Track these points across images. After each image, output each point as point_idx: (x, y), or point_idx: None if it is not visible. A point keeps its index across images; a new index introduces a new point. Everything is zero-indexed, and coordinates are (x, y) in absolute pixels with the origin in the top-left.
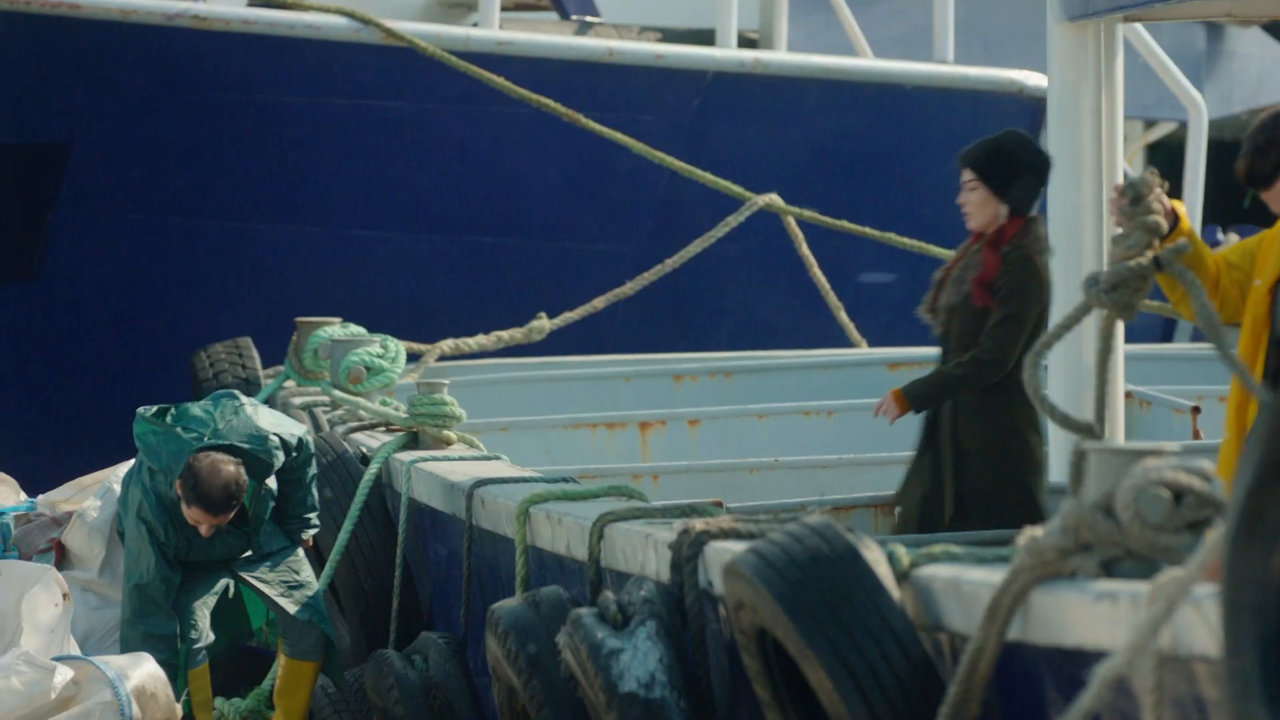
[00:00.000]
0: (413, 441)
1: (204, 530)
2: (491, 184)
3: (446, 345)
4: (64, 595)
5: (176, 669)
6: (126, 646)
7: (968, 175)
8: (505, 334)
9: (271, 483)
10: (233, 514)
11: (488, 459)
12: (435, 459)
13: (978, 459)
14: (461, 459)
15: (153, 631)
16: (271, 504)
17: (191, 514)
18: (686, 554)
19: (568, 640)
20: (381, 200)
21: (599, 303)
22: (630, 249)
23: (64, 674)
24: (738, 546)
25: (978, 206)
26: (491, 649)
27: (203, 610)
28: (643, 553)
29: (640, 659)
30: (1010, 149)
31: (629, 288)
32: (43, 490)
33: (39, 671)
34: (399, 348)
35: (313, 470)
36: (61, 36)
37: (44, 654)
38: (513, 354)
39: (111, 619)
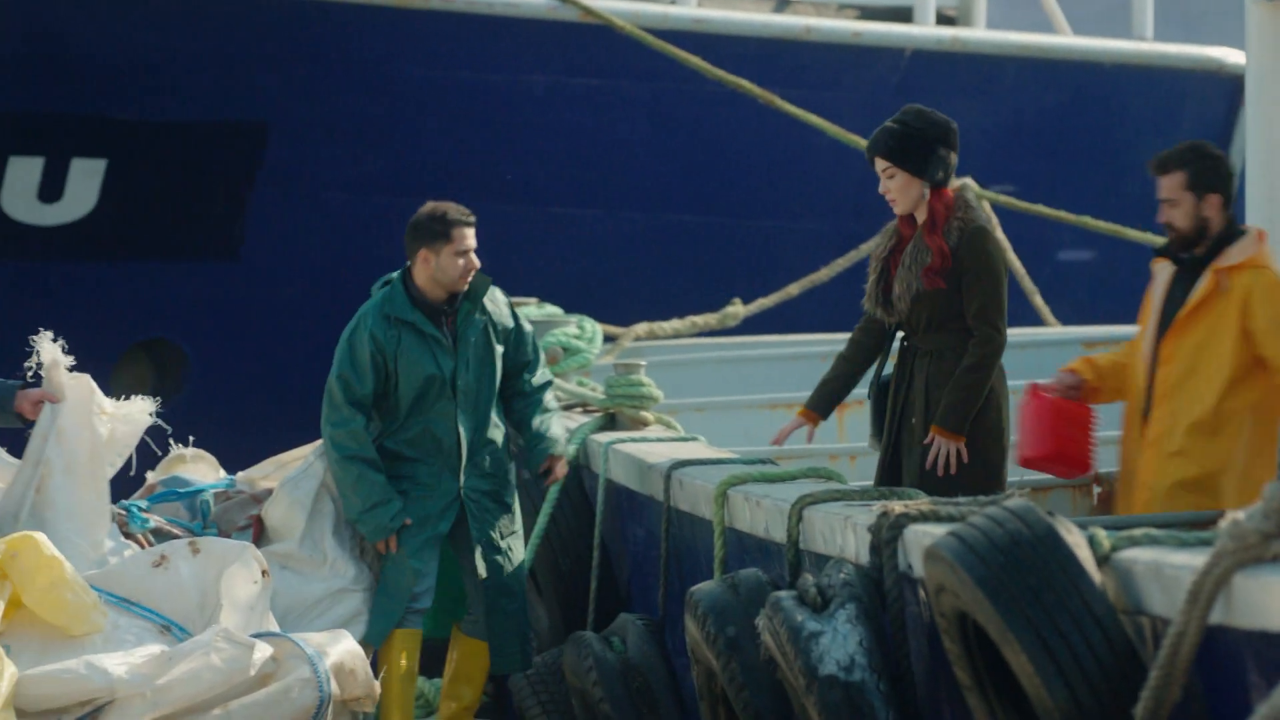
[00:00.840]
0: (610, 423)
1: (461, 262)
2: (690, 162)
3: (641, 329)
4: (263, 572)
5: (356, 460)
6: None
7: (882, 164)
8: (699, 319)
9: (496, 347)
10: (472, 232)
11: (685, 440)
12: (633, 440)
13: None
14: (659, 440)
15: (331, 425)
16: (490, 361)
17: (446, 253)
18: (886, 537)
19: (767, 623)
20: (579, 178)
21: (794, 289)
22: (830, 227)
23: (263, 651)
24: (937, 529)
25: (901, 192)
26: (690, 631)
27: (425, 566)
28: (842, 535)
29: (840, 642)
30: (916, 128)
31: (824, 274)
32: (242, 467)
33: (238, 648)
34: (595, 328)
35: (550, 404)
36: (260, 16)
37: (243, 631)
38: (707, 334)
39: (310, 596)
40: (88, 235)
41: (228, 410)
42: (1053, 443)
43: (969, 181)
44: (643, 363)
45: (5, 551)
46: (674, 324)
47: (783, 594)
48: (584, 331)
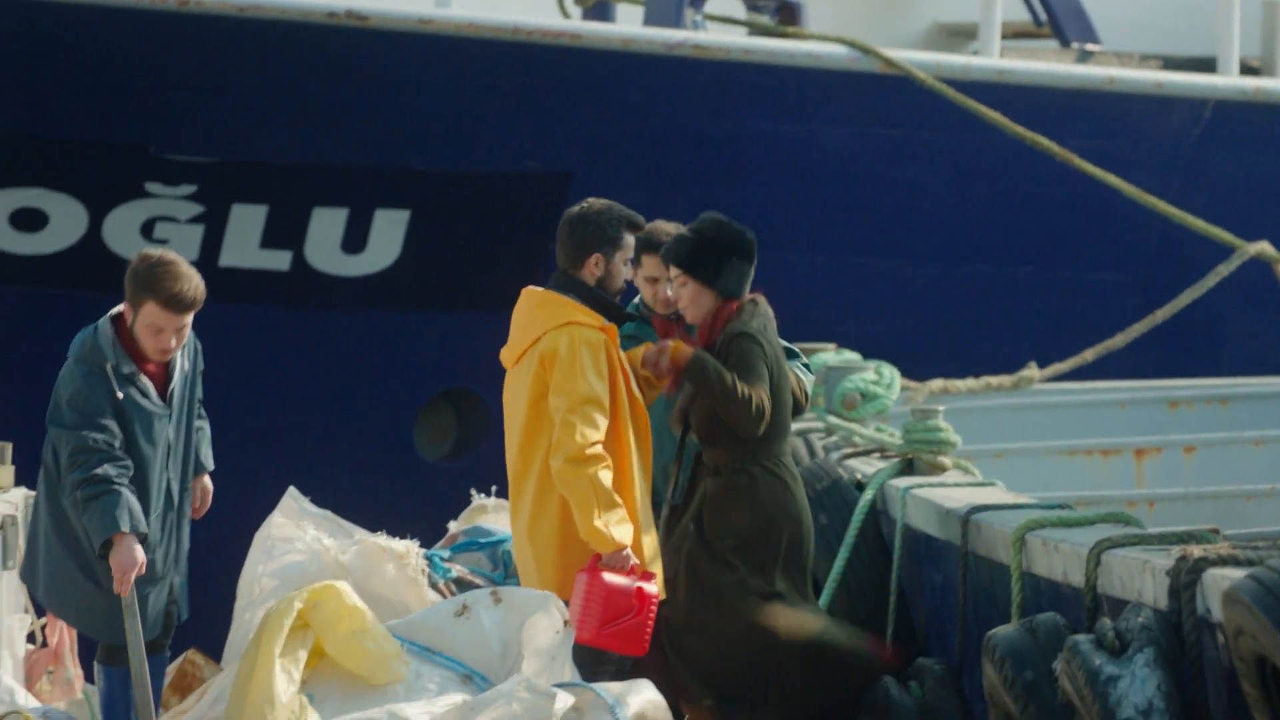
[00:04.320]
0: (907, 468)
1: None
2: (989, 213)
3: (935, 386)
4: (565, 622)
5: None
6: None
7: (674, 271)
8: (994, 380)
9: None
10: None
11: (983, 485)
12: (930, 485)
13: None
14: (957, 485)
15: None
16: None
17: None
18: (1184, 580)
19: (1065, 667)
20: (879, 228)
21: (1089, 355)
22: (1132, 278)
23: (564, 700)
24: (1236, 573)
25: (691, 301)
26: (988, 675)
27: None
28: (1140, 579)
29: (1138, 686)
30: (711, 237)
31: (1119, 340)
32: None
33: (539, 698)
34: (894, 374)
35: None
36: (564, 67)
37: (544, 680)
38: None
39: None
40: (391, 286)
41: None
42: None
43: (1266, 247)
44: (941, 408)
45: (308, 601)
46: (969, 383)
47: (1080, 638)
48: (882, 377)
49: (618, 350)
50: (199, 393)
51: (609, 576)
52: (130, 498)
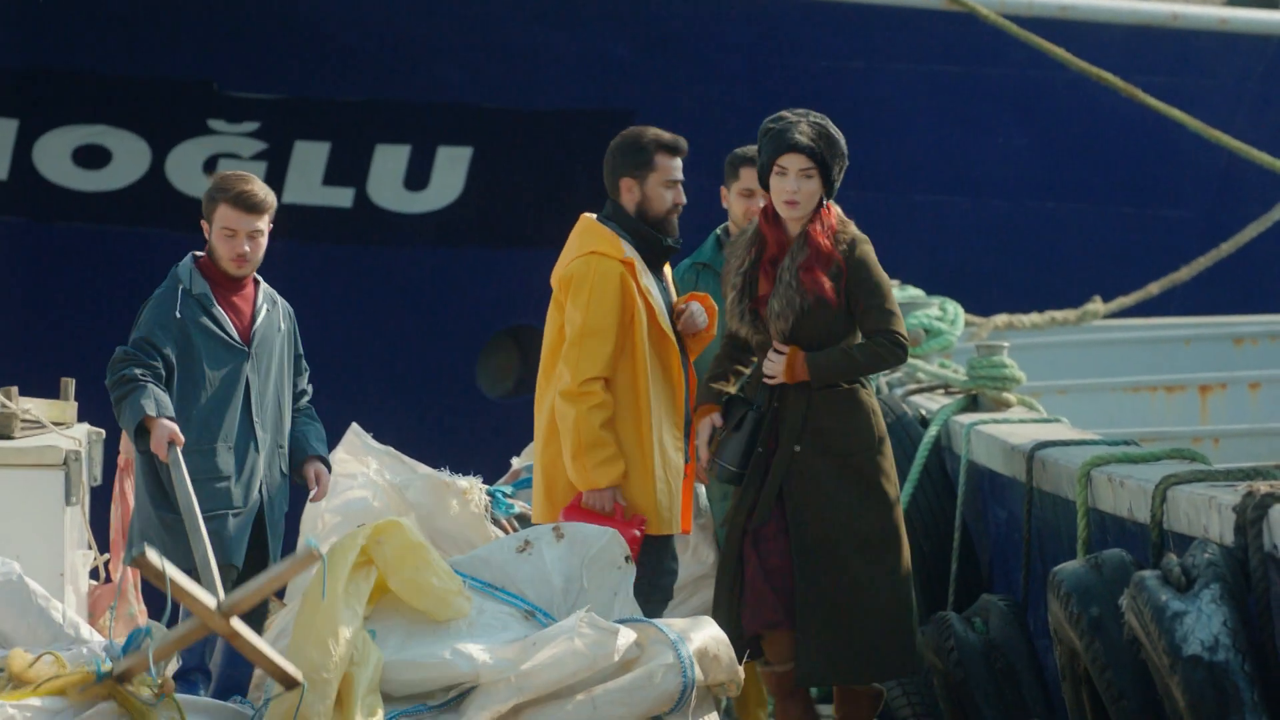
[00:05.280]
0: (972, 404)
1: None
2: (1053, 148)
3: (1000, 321)
4: (626, 558)
5: None
6: None
7: (803, 163)
8: (1059, 314)
9: None
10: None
11: (1048, 421)
12: (995, 421)
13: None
14: (1021, 421)
15: None
16: None
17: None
18: (1250, 516)
19: (1130, 603)
20: (943, 164)
21: (1154, 288)
22: (1194, 214)
23: (626, 636)
24: None
25: (809, 197)
26: (1053, 611)
27: None
28: (1206, 515)
29: (1204, 622)
30: (837, 139)
31: (1184, 273)
32: None
33: (602, 633)
34: (958, 310)
35: None
36: (625, 4)
37: (607, 616)
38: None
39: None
40: (453, 223)
41: None
42: None
43: None
44: (1005, 344)
45: (371, 537)
46: (1033, 318)
47: (1146, 573)
48: (946, 313)
49: (638, 281)
50: (300, 357)
51: (578, 522)
52: (157, 390)
